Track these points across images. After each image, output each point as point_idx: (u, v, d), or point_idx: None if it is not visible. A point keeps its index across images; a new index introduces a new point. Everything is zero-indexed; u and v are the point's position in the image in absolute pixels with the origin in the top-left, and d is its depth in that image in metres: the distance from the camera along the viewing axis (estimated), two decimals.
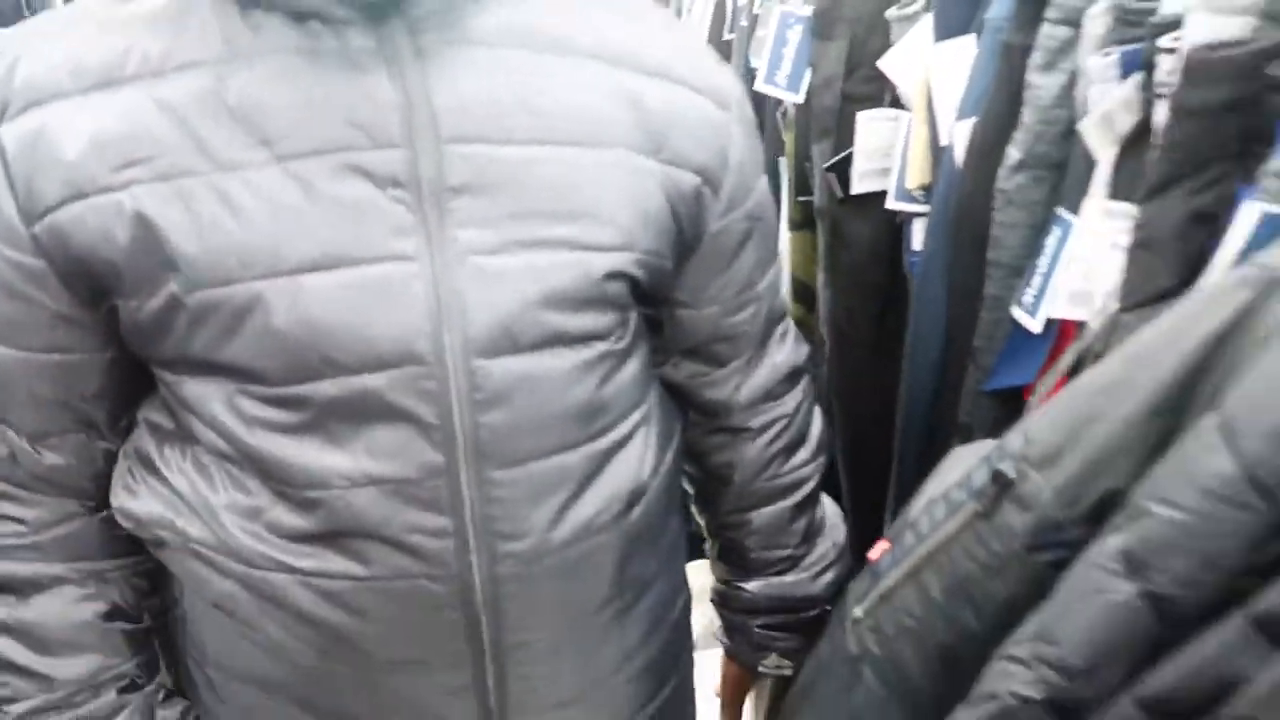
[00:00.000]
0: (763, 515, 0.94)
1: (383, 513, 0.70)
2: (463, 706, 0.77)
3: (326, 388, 0.68)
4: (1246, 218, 0.63)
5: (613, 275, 0.73)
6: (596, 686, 0.83)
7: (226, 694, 0.82)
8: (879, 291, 1.07)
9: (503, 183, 0.69)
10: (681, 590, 0.93)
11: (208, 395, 0.70)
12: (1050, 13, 0.82)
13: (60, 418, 0.75)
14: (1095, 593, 0.58)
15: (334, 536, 0.72)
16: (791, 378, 0.92)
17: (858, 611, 0.76)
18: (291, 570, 0.72)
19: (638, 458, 0.79)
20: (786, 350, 0.91)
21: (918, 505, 0.75)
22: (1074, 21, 0.80)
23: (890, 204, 1.05)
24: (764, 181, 0.84)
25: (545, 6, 0.74)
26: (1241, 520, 0.53)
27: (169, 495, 0.75)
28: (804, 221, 1.32)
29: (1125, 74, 0.73)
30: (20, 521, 0.78)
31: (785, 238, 1.34)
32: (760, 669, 1.02)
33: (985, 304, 0.89)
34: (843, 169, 1.11)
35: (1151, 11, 0.72)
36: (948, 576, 0.68)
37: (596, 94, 0.73)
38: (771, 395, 0.91)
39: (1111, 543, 0.58)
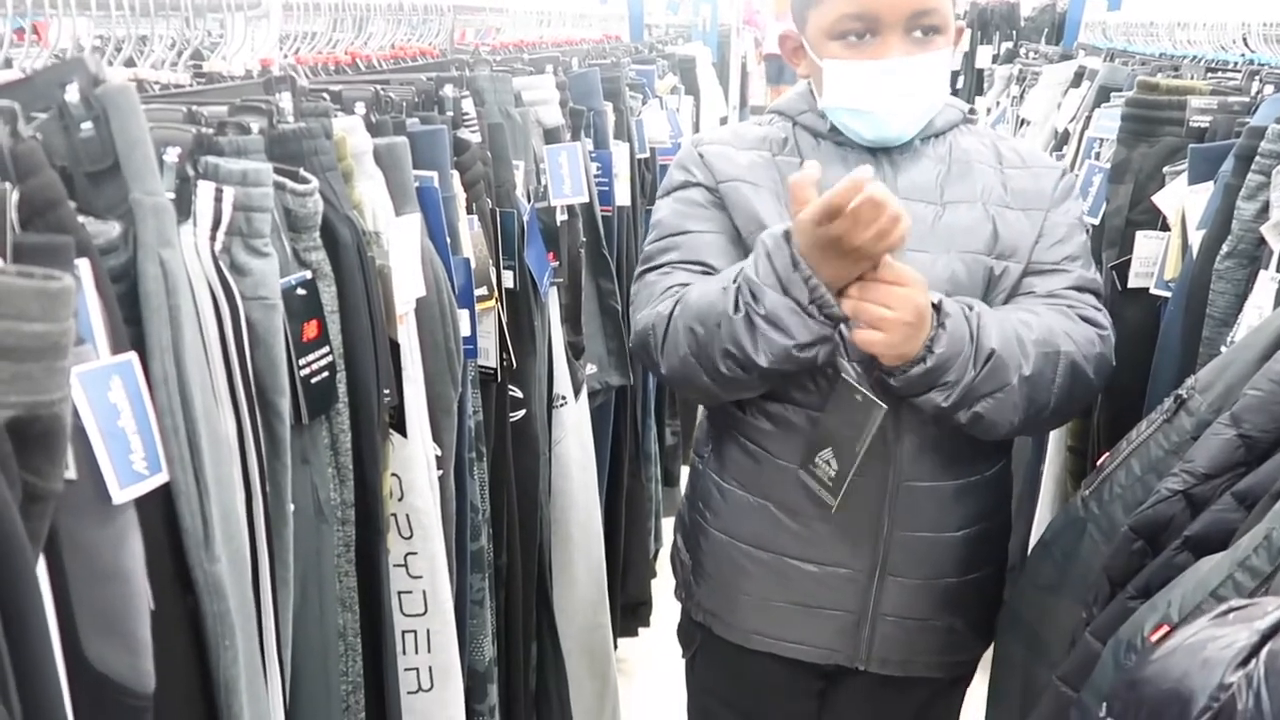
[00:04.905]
0: None
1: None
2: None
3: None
4: None
5: (982, 271, 1.29)
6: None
7: None
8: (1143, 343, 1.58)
9: (928, 220, 1.28)
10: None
11: None
12: (1254, 167, 1.28)
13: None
14: (1215, 435, 0.99)
15: None
16: None
17: (1085, 491, 1.19)
18: None
19: None
20: None
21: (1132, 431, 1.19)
22: (1266, 172, 1.26)
23: (1153, 291, 1.58)
24: (1077, 224, 1.37)
25: (960, 142, 1.34)
26: None
27: None
28: None
29: None
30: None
31: None
32: None
33: (1203, 343, 1.33)
34: (1122, 270, 1.63)
35: None
36: (1144, 458, 1.11)
37: (980, 180, 1.32)
38: None
39: (1225, 414, 1.00)
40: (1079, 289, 1.31)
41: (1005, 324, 1.21)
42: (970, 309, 1.21)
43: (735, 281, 1.20)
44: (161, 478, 0.72)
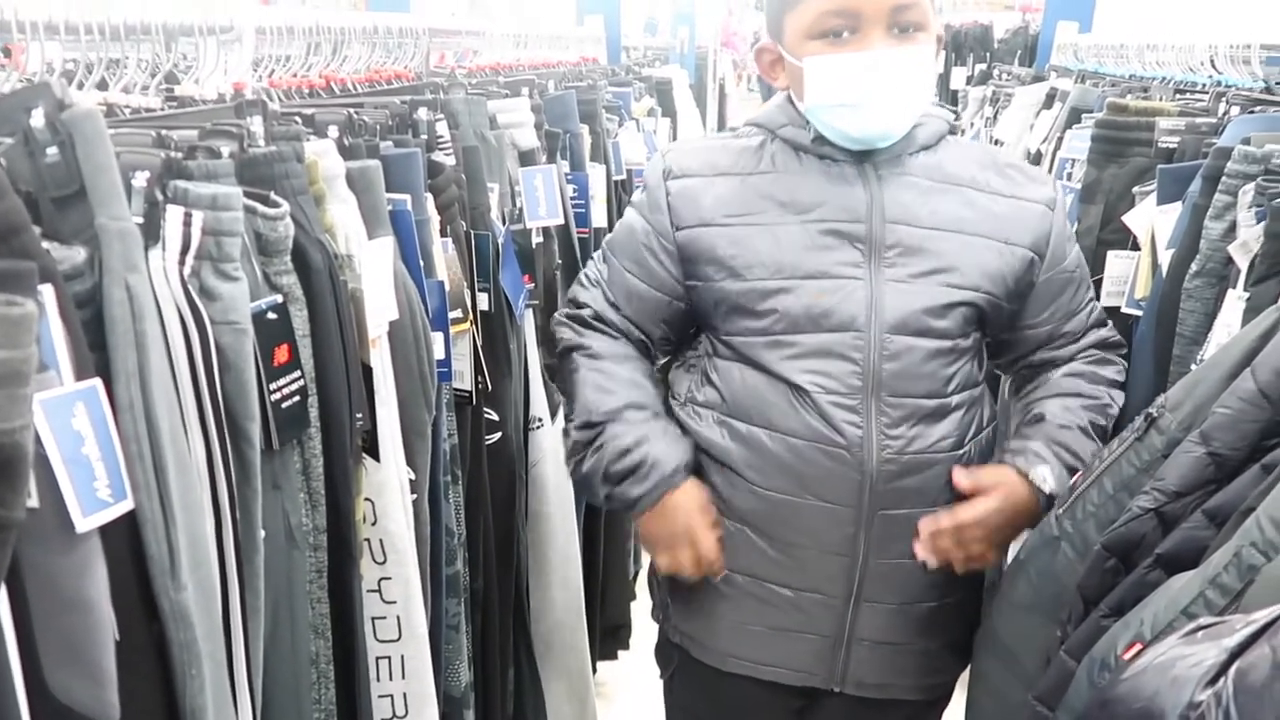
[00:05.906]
0: None
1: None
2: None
3: (808, 340, 1.24)
4: None
5: (963, 303, 1.25)
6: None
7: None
8: None
9: (913, 245, 1.24)
10: None
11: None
12: (1220, 188, 1.30)
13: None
14: (1185, 453, 0.99)
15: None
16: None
17: (1059, 510, 1.18)
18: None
19: (966, 419, 1.29)
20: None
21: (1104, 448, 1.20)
22: (1233, 192, 1.28)
23: (1124, 309, 1.59)
24: (1077, 250, 1.36)
25: (947, 157, 1.30)
26: (1257, 413, 0.95)
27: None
28: None
29: (1258, 221, 1.21)
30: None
31: None
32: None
33: (1174, 361, 1.35)
34: (1094, 289, 1.57)
35: (1276, 189, 1.22)
36: (1116, 477, 1.11)
37: (967, 205, 1.27)
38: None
39: (1195, 431, 1.00)
40: (1098, 321, 1.38)
41: (1094, 442, 1.29)
42: (1077, 461, 1.28)
43: (601, 440, 1.31)
44: (126, 505, 0.72)
